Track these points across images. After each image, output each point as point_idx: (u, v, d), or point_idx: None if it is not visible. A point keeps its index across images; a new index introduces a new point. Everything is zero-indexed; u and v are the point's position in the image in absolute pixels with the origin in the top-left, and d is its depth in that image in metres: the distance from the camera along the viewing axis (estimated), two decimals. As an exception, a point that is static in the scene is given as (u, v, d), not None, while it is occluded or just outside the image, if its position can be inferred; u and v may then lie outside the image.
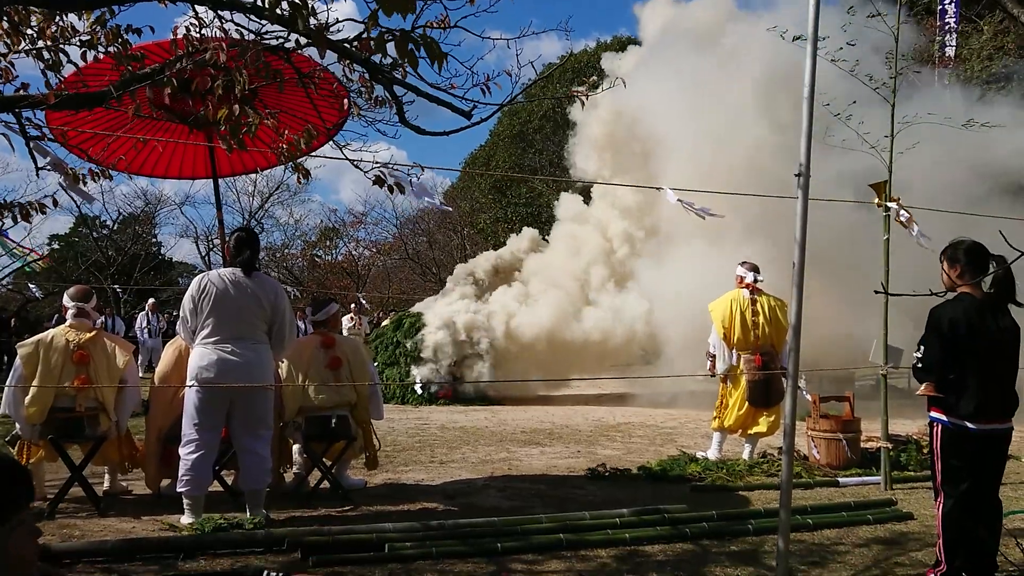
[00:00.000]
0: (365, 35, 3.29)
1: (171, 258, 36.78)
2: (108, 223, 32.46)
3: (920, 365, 4.03)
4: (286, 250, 35.75)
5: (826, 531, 4.91)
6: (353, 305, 20.87)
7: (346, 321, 17.75)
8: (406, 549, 4.35)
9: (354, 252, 35.67)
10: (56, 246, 33.56)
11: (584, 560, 4.33)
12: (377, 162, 4.00)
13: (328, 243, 36.15)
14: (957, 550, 3.88)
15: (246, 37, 3.61)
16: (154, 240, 34.83)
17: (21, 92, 3.71)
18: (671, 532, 4.73)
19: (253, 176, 30.05)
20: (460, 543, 4.46)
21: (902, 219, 5.86)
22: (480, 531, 4.64)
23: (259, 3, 3.44)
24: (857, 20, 6.25)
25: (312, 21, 3.25)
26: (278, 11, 3.32)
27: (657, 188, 5.04)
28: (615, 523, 4.83)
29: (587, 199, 16.31)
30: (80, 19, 3.72)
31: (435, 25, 3.55)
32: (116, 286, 25.54)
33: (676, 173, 12.55)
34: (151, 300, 19.48)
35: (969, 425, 3.86)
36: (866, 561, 4.35)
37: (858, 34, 6.17)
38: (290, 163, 4.07)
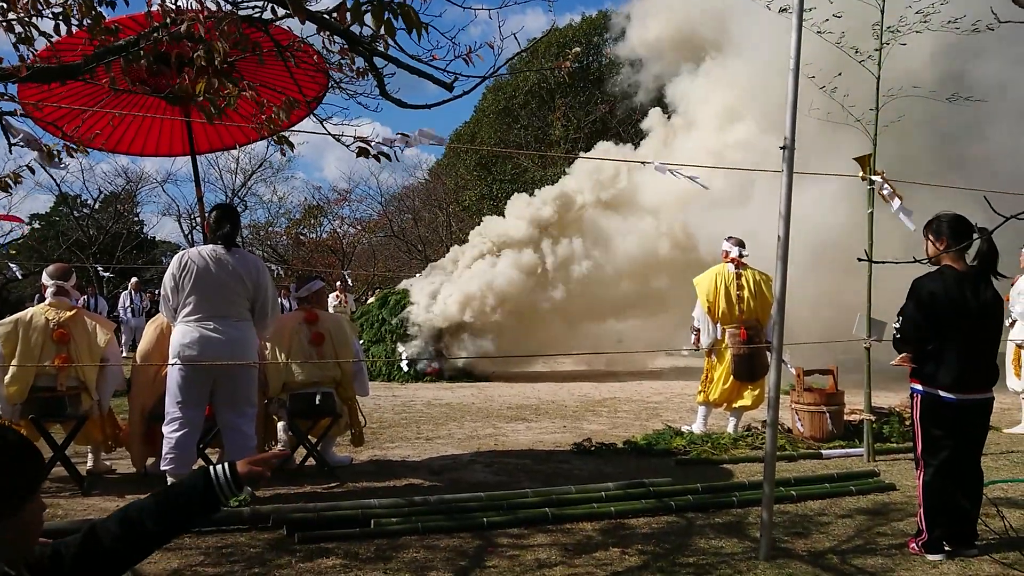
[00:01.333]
0: (343, 5, 3.22)
1: (154, 237, 36.38)
2: (89, 202, 32.05)
3: (899, 336, 4.05)
4: (270, 228, 35.43)
5: (809, 502, 4.96)
6: (339, 283, 20.76)
7: (331, 299, 17.67)
8: (392, 525, 4.35)
9: (339, 230, 35.42)
10: (37, 225, 33.10)
11: (570, 534, 4.35)
12: (359, 137, 3.95)
13: (312, 221, 35.83)
14: (937, 519, 3.92)
15: (223, 8, 3.52)
16: (136, 219, 34.41)
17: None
18: (656, 505, 4.76)
19: (235, 153, 29.73)
20: (446, 518, 4.47)
21: (884, 193, 5.86)
22: (466, 506, 4.65)
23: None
24: None
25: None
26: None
27: (643, 163, 5.01)
28: (601, 497, 4.86)
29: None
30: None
31: (416, -5, 3.47)
32: (98, 265, 25.25)
33: (749, 63, 12.20)
34: (134, 279, 19.30)
35: (949, 396, 3.89)
36: (849, 531, 4.39)
37: (844, 5, 6.11)
38: (273, 136, 4.00)
